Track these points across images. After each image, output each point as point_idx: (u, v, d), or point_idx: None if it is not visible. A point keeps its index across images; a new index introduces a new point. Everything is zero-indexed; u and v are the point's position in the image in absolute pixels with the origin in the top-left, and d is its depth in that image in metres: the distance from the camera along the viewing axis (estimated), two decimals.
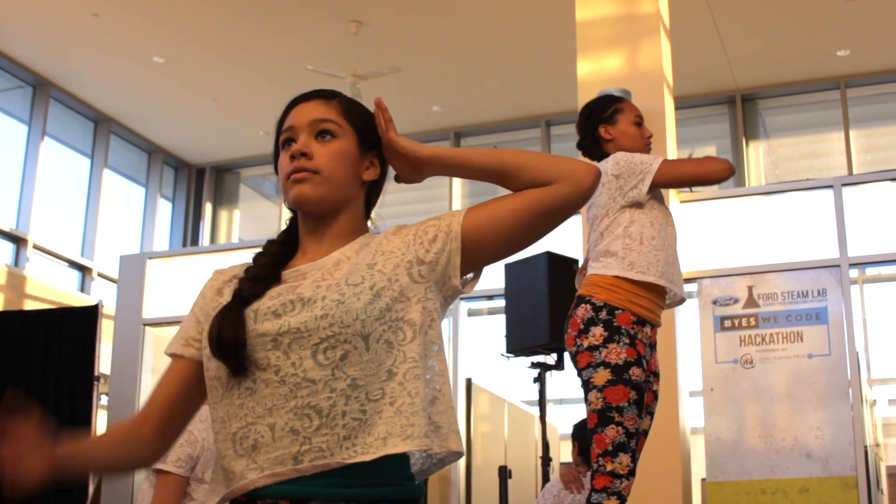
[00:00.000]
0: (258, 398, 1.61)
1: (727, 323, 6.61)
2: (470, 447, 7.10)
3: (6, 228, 10.38)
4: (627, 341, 3.28)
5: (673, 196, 6.69)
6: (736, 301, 6.63)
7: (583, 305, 3.37)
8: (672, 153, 6.82)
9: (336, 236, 1.74)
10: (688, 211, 7.01)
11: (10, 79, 10.67)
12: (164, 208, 12.74)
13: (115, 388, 8.09)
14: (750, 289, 6.62)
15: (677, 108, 7.41)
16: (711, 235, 7.02)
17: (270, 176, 11.18)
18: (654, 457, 5.70)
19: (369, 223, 1.82)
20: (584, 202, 1.72)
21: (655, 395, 3.44)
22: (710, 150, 11.42)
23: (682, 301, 3.59)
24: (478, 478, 7.03)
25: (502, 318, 5.91)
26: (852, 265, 6.65)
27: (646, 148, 3.64)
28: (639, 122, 3.65)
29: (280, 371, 1.60)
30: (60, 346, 7.49)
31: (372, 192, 1.82)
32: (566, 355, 4.71)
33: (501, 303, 6.32)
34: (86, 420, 7.21)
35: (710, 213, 7.11)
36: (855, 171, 10.34)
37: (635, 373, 3.26)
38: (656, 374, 3.44)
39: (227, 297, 1.72)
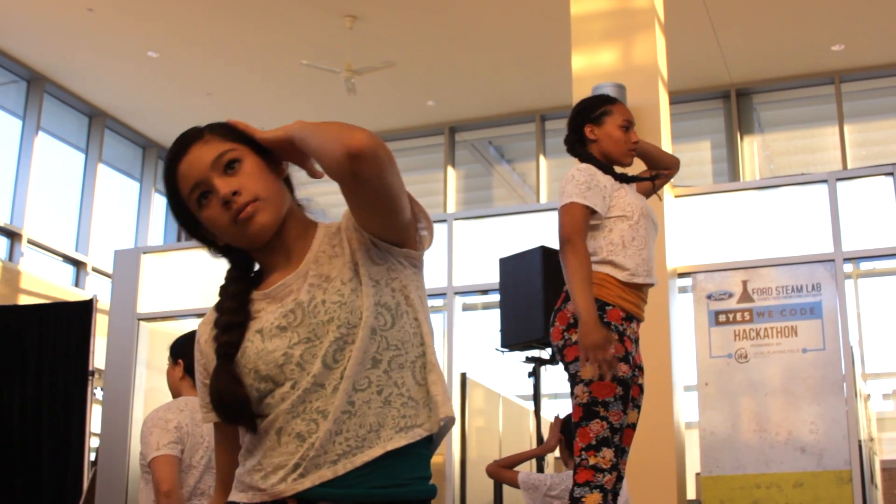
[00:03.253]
0: (277, 412, 1.60)
1: (722, 317, 6.61)
2: (465, 442, 7.09)
3: (0, 223, 10.36)
4: (616, 337, 3.29)
5: (668, 190, 6.70)
6: (730, 296, 6.64)
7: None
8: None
9: (296, 238, 1.71)
10: (682, 205, 7.02)
11: (4, 73, 10.65)
12: (158, 203, 12.71)
13: (110, 383, 8.09)
14: (744, 283, 6.63)
15: (672, 102, 7.41)
16: (706, 230, 7.03)
17: None
18: (648, 451, 5.71)
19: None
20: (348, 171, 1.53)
21: (641, 389, 3.45)
22: (705, 145, 11.44)
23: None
24: (473, 472, 7.02)
25: (497, 312, 5.91)
26: (846, 260, 6.65)
27: (629, 154, 3.58)
28: (626, 127, 3.57)
29: (297, 384, 1.59)
30: (55, 340, 7.47)
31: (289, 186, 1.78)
32: None
33: (496, 297, 6.32)
34: (80, 415, 7.19)
35: (705, 207, 7.12)
36: (849, 166, 10.35)
37: (622, 368, 3.26)
38: (641, 369, 3.46)
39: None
